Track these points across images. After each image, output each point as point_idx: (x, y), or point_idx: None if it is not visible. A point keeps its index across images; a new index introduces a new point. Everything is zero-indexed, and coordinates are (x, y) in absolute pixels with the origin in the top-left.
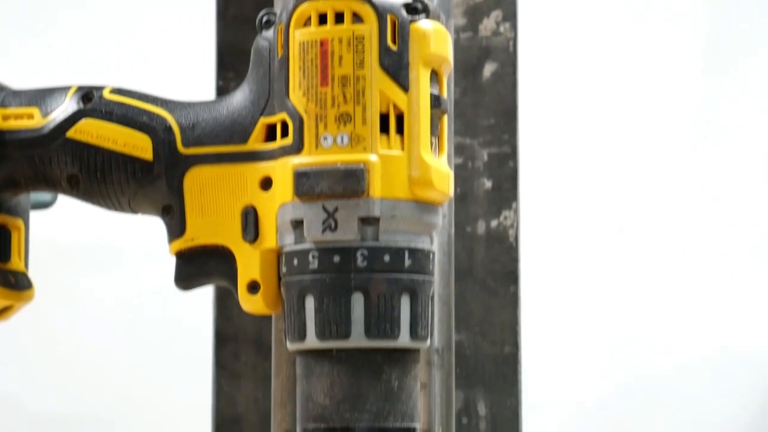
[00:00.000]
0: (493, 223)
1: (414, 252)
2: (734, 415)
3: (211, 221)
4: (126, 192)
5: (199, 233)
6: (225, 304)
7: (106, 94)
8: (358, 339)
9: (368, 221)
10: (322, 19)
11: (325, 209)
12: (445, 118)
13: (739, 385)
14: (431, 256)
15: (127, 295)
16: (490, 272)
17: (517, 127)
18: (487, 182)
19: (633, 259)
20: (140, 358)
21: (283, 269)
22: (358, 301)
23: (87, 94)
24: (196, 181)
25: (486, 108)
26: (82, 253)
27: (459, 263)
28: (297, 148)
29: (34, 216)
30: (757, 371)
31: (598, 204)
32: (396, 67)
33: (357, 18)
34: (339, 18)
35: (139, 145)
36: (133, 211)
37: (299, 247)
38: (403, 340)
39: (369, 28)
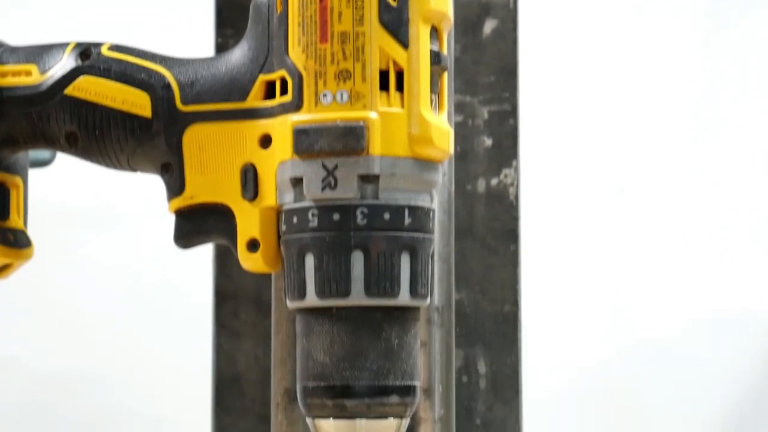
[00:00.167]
0: (494, 181)
1: (414, 210)
2: (736, 378)
3: (211, 179)
4: (125, 150)
5: (198, 191)
6: (225, 263)
7: (104, 51)
8: (357, 297)
9: (368, 179)
10: None
11: (324, 167)
12: (445, 75)
13: (741, 346)
14: (431, 214)
15: (126, 253)
16: (490, 230)
17: (517, 85)
18: (488, 140)
19: (632, 219)
20: (140, 317)
21: (283, 227)
22: (357, 259)
23: (85, 51)
24: (195, 138)
25: (486, 65)
26: (81, 212)
27: (459, 221)
28: (296, 105)
29: (33, 174)
30: (760, 332)
31: (599, 163)
32: (396, 24)
33: None
34: None
35: (137, 102)
36: (132, 169)
37: (299, 205)
38: (403, 298)
39: None
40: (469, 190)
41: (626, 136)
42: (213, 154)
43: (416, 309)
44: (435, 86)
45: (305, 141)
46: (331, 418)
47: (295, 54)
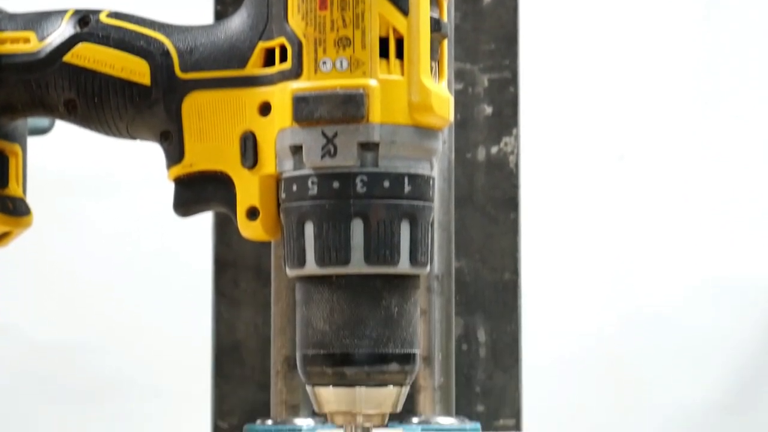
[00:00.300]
0: (494, 150)
1: (414, 178)
2: (736, 345)
3: (210, 147)
4: (124, 117)
5: (197, 159)
6: (224, 231)
7: (103, 18)
8: (357, 265)
9: (368, 147)
10: None
11: (324, 134)
12: (445, 42)
13: (741, 313)
14: (431, 182)
15: (126, 221)
16: (491, 199)
17: (517, 53)
18: (488, 108)
19: (632, 187)
20: (139, 285)
21: (282, 195)
22: (357, 227)
23: (84, 18)
24: (194, 106)
25: (486, 33)
26: (80, 180)
27: (459, 189)
28: (296, 72)
29: (32, 142)
30: (760, 299)
31: (599, 132)
32: None
33: None
34: None
35: (136, 69)
36: (131, 136)
37: (298, 173)
38: (403, 266)
39: None
40: (469, 158)
41: (626, 105)
42: (212, 122)
43: (416, 277)
44: (435, 53)
45: (305, 109)
46: (331, 386)
47: (295, 21)
